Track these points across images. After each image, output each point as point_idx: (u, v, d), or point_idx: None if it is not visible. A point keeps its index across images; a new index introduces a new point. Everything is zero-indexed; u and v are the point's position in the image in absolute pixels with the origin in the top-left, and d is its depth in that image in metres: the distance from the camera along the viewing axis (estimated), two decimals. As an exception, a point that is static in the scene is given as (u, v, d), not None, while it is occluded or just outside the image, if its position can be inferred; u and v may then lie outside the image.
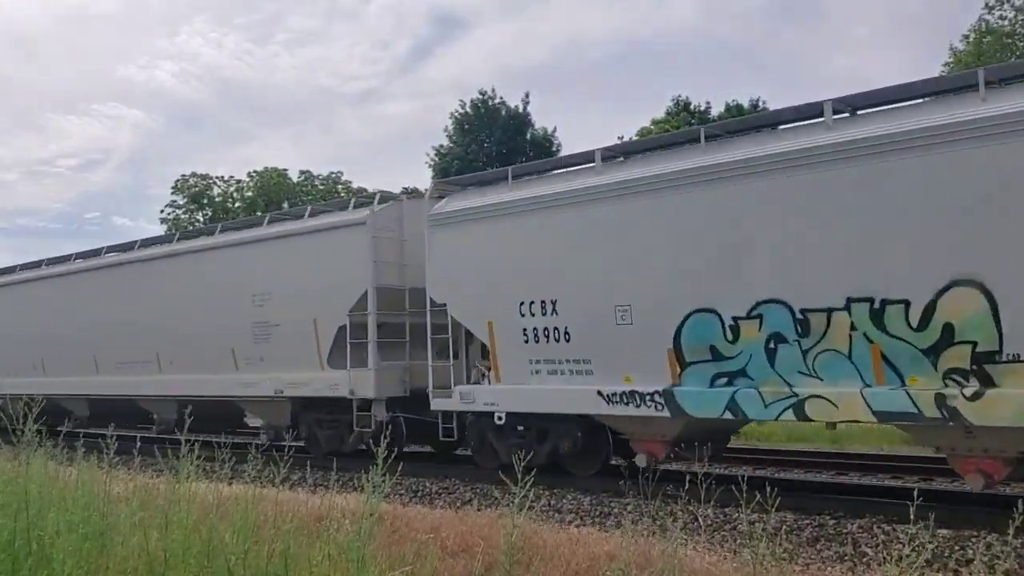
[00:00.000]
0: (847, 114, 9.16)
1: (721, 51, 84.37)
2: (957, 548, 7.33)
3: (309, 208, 15.28)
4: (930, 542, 7.30)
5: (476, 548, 6.63)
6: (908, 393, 8.26)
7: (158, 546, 5.16)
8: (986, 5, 32.09)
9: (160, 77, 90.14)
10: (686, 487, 8.47)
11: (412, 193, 14.98)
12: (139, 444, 7.13)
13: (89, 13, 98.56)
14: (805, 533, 8.20)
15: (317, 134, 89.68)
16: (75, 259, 19.97)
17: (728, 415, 9.53)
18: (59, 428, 10.44)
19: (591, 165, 11.13)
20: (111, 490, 6.25)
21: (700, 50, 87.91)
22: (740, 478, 5.65)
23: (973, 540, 7.48)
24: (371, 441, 12.29)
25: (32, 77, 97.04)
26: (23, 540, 5.22)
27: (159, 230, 50.87)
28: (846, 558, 7.39)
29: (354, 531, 5.04)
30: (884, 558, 7.09)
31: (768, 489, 5.55)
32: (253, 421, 16.68)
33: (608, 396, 10.55)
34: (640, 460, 10.54)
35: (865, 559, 7.29)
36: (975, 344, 7.94)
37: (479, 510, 9.38)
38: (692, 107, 42.21)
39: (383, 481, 5.15)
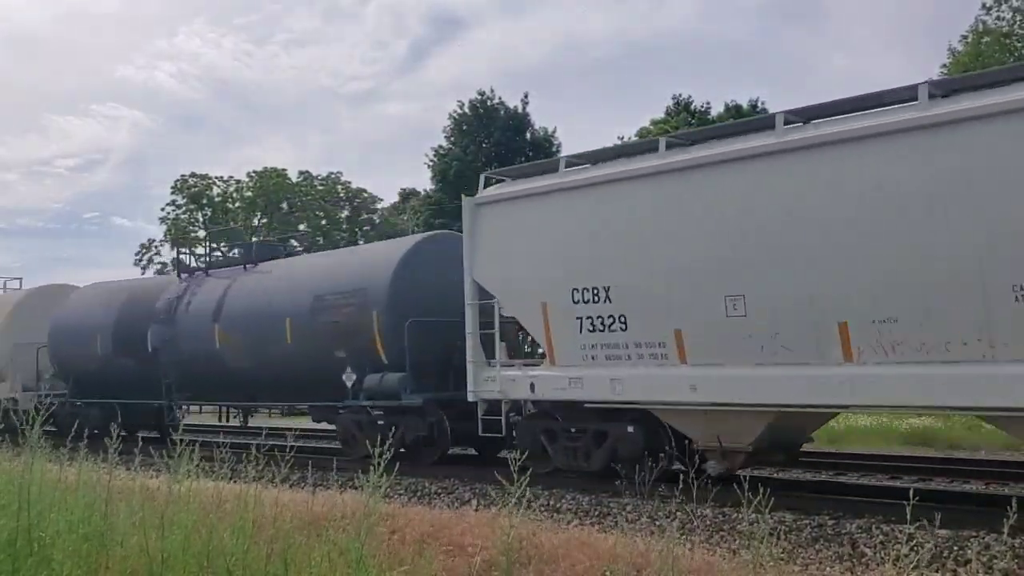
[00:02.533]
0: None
1: (720, 51, 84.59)
2: (955, 548, 7.34)
3: None
4: (928, 542, 7.34)
5: (475, 548, 6.64)
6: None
7: (157, 546, 5.17)
8: (984, 6, 32.12)
9: (159, 77, 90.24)
10: (680, 486, 8.48)
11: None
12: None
13: (88, 13, 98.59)
14: (804, 533, 8.20)
15: (316, 134, 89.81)
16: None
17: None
18: None
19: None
20: (111, 490, 6.25)
21: (699, 50, 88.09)
22: (741, 478, 5.66)
23: (971, 540, 7.48)
24: None
25: (31, 77, 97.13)
26: (24, 540, 5.24)
27: (158, 231, 51.01)
28: (845, 558, 7.40)
29: (353, 531, 5.06)
30: (883, 558, 7.09)
31: (766, 489, 5.55)
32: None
33: None
34: None
35: (864, 559, 7.30)
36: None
37: (477, 510, 9.40)
38: (692, 107, 42.28)
39: (381, 481, 5.16)
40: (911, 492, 4.82)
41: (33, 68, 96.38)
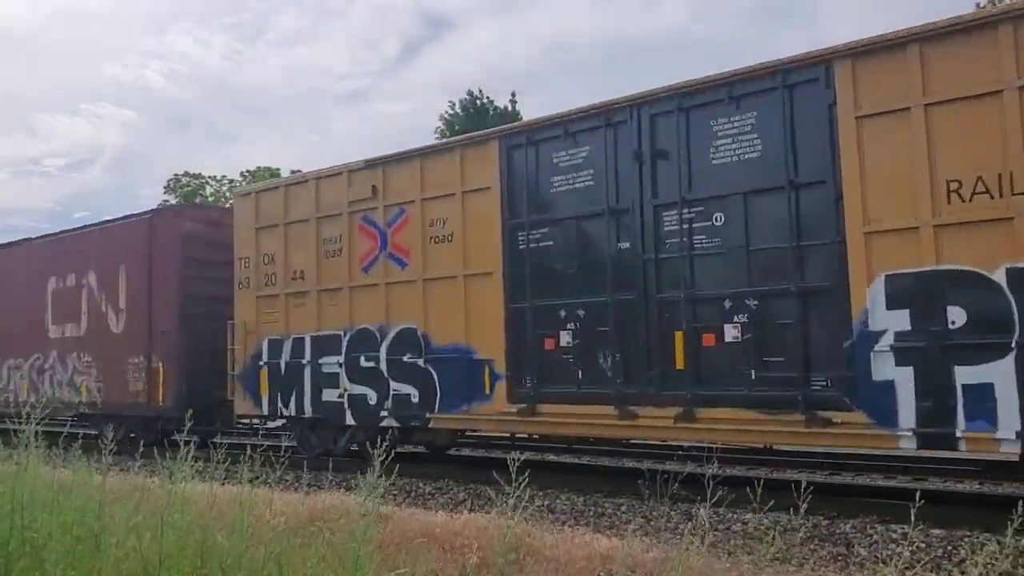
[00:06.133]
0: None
1: (710, 51, 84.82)
2: (950, 548, 7.36)
3: None
4: (924, 542, 7.37)
5: (471, 548, 6.63)
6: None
7: (152, 548, 5.14)
8: (978, 6, 32.23)
9: (149, 76, 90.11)
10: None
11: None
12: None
13: (77, 12, 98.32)
14: (799, 533, 8.21)
15: (307, 133, 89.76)
16: None
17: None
18: None
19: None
20: (106, 491, 6.22)
21: (689, 50, 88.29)
22: (742, 479, 5.66)
23: (966, 540, 7.51)
24: None
25: (20, 76, 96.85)
26: (17, 542, 5.20)
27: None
28: (840, 558, 7.41)
29: (348, 532, 5.03)
30: (878, 558, 7.11)
31: (762, 489, 5.56)
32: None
33: None
34: None
35: (859, 559, 7.31)
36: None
37: (472, 510, 9.38)
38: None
39: (379, 482, 5.14)
40: (918, 494, 4.81)
41: (21, 67, 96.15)
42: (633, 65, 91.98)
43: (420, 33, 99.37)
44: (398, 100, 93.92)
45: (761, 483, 5.91)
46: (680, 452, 12.74)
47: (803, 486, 5.19)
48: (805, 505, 5.11)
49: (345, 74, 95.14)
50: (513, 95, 44.39)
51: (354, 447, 13.38)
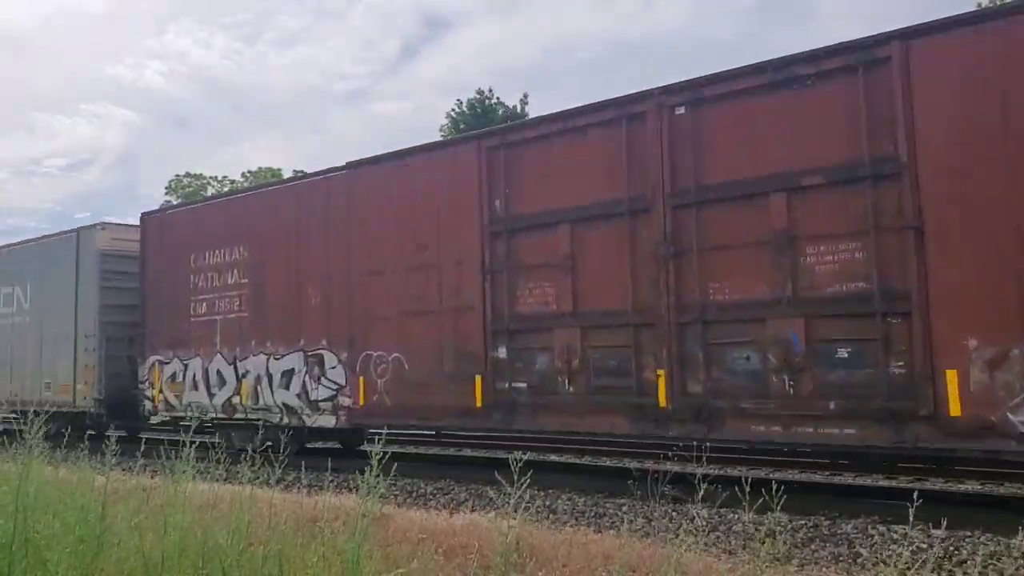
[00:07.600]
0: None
1: (710, 51, 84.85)
2: (950, 548, 7.36)
3: None
4: (924, 542, 7.37)
5: (471, 549, 6.63)
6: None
7: (154, 548, 5.16)
8: (979, 5, 32.21)
9: (149, 76, 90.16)
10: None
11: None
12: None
13: (76, 11, 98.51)
14: (800, 534, 8.22)
15: (307, 133, 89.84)
16: None
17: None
18: None
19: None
20: (108, 492, 6.24)
21: (689, 50, 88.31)
22: (742, 479, 5.66)
23: (967, 540, 7.51)
24: None
25: (20, 76, 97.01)
26: (20, 542, 5.22)
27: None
28: (841, 559, 7.41)
29: (349, 532, 5.04)
30: (878, 558, 7.11)
31: (759, 489, 5.56)
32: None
33: None
34: None
35: (860, 560, 7.32)
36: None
37: (473, 511, 9.39)
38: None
39: (379, 482, 5.15)
40: (915, 494, 4.81)
41: (20, 67, 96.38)
42: (635, 65, 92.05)
43: (420, 33, 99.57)
44: (398, 100, 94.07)
45: (749, 481, 5.90)
46: (681, 452, 12.71)
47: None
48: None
49: (345, 74, 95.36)
50: (525, 96, 44.62)
51: None
